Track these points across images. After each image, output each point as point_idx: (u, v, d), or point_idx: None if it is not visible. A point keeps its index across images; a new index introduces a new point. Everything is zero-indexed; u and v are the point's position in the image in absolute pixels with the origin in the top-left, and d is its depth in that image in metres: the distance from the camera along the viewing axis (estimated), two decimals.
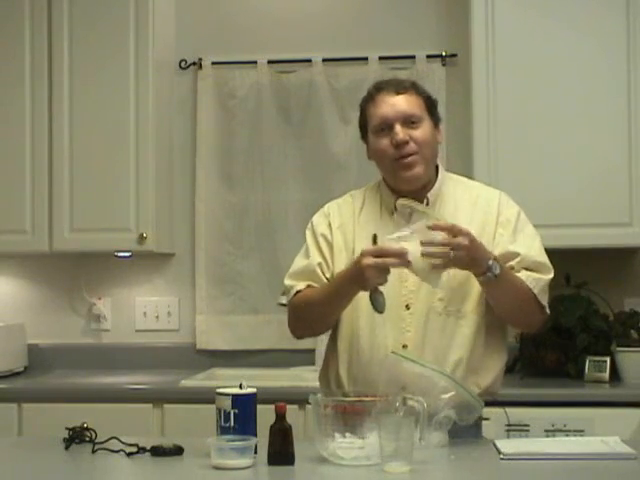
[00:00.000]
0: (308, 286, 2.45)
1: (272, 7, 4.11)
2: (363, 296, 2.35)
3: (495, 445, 2.22)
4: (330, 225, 2.50)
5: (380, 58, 3.95)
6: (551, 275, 2.44)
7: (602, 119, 3.55)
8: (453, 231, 2.17)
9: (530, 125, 3.57)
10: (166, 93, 4.00)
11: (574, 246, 3.55)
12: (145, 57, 3.79)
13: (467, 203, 2.47)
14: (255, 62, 4.03)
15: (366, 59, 3.96)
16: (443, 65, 3.96)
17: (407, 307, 2.37)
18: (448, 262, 2.19)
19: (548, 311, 2.45)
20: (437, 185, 2.47)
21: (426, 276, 2.24)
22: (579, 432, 3.14)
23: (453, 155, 3.89)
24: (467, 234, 2.20)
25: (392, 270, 2.27)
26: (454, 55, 3.96)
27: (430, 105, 2.47)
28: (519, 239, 2.43)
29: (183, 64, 4.08)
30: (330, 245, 2.48)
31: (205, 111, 4.06)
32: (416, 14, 4.02)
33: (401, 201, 2.33)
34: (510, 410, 3.14)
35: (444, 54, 3.96)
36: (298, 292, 2.46)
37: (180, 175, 4.08)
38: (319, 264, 2.46)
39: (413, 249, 2.18)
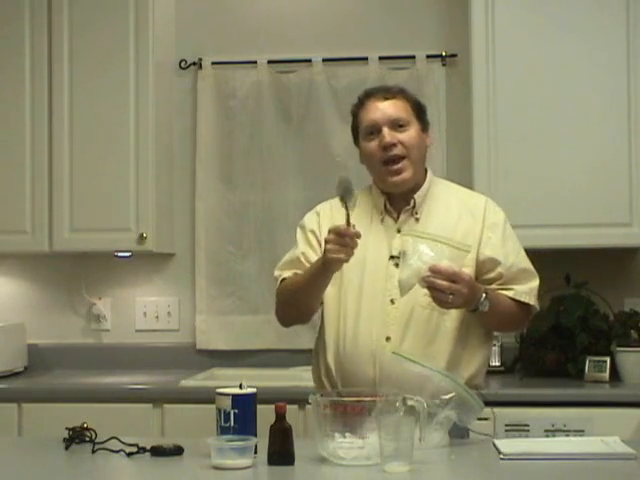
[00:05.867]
0: (295, 275, 2.56)
1: (272, 7, 4.11)
2: (351, 292, 2.46)
3: (495, 445, 2.23)
4: (320, 223, 2.60)
5: (380, 58, 3.95)
6: (537, 279, 2.57)
7: (602, 119, 3.55)
8: (453, 278, 2.26)
9: (530, 125, 3.57)
10: (166, 93, 4.00)
11: (574, 246, 3.55)
12: (145, 57, 3.79)
13: (454, 206, 2.56)
14: (255, 62, 4.03)
15: (366, 59, 3.96)
16: (443, 65, 3.96)
17: (392, 302, 2.45)
18: (444, 304, 2.31)
19: (538, 307, 2.59)
20: (425, 186, 2.57)
21: (404, 289, 2.33)
22: (579, 432, 3.13)
23: (453, 155, 3.90)
24: (467, 281, 2.30)
25: (378, 267, 2.44)
26: (454, 55, 3.95)
27: (418, 110, 2.57)
28: (508, 245, 2.54)
29: (183, 64, 4.08)
30: (319, 240, 2.56)
31: (205, 111, 4.05)
32: (416, 14, 4.01)
33: (405, 238, 2.38)
34: (510, 410, 3.15)
35: (444, 54, 3.95)
36: (284, 280, 2.58)
37: (180, 175, 4.08)
38: (302, 253, 2.57)
39: (416, 265, 2.27)
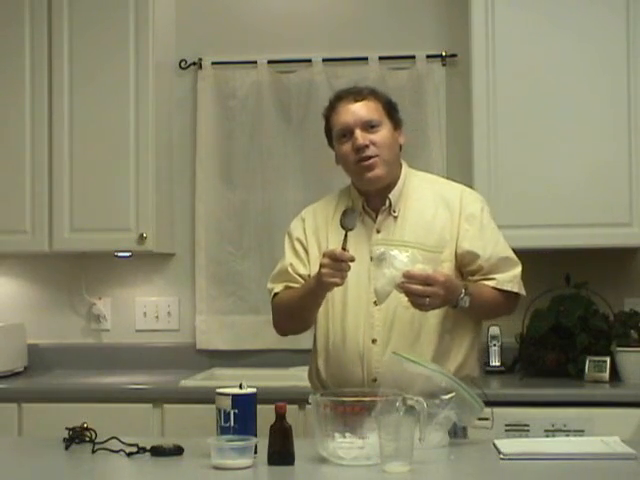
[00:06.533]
0: (286, 287, 2.60)
1: (272, 7, 4.11)
2: (337, 295, 2.48)
3: (495, 445, 2.22)
4: (305, 230, 2.65)
5: (380, 58, 3.95)
6: (520, 266, 2.58)
7: (602, 119, 3.55)
8: (428, 281, 2.29)
9: (530, 125, 3.57)
10: (166, 93, 4.00)
11: (574, 246, 3.55)
12: (145, 57, 3.79)
13: (430, 200, 2.58)
14: (255, 62, 4.03)
15: (366, 59, 3.96)
16: (443, 65, 3.96)
17: (375, 303, 2.45)
18: (422, 307, 2.32)
19: (524, 293, 2.59)
20: (399, 184, 2.58)
21: (381, 297, 2.35)
22: (579, 432, 3.13)
23: (453, 155, 3.90)
24: (442, 282, 2.31)
25: (360, 269, 2.43)
26: (454, 55, 3.95)
27: (389, 109, 2.59)
28: (486, 236, 2.55)
29: (183, 64, 4.08)
30: (305, 248, 2.62)
31: (205, 111, 4.05)
32: (416, 14, 4.01)
33: (376, 247, 2.40)
34: (510, 410, 3.15)
35: (444, 54, 3.95)
36: (276, 294, 2.62)
37: (180, 175, 4.08)
38: (290, 264, 2.61)
39: (390, 273, 2.28)
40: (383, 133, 2.53)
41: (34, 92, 3.82)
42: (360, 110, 2.53)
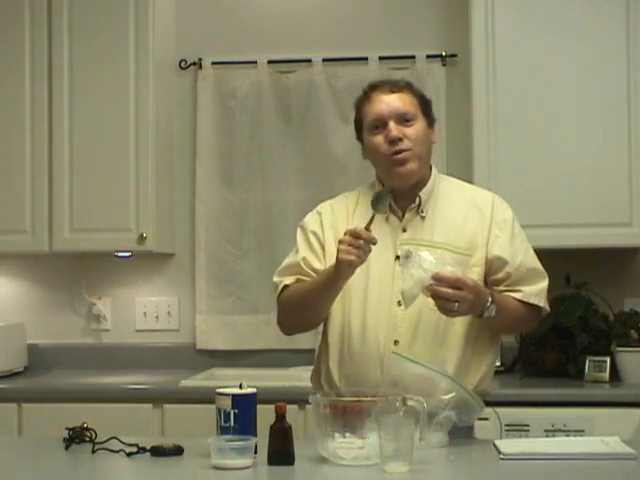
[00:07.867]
0: (297, 280, 2.47)
1: (272, 7, 4.11)
2: (357, 293, 2.39)
3: (495, 445, 2.22)
4: (322, 223, 2.52)
5: (380, 58, 3.95)
6: (547, 280, 2.48)
7: (602, 118, 3.55)
8: (457, 284, 2.19)
9: (530, 125, 3.57)
10: (166, 93, 4.00)
11: (574, 246, 3.55)
12: (145, 57, 3.79)
13: (461, 202, 2.49)
14: (255, 62, 4.03)
15: (366, 59, 3.96)
16: (443, 65, 3.96)
17: (399, 303, 2.35)
18: (450, 312, 2.22)
19: (548, 309, 2.50)
20: (430, 184, 2.49)
21: (408, 300, 2.25)
22: (579, 432, 3.13)
23: (453, 155, 3.90)
24: (472, 287, 2.21)
25: (384, 268, 2.35)
26: (454, 55, 3.96)
27: (424, 105, 2.49)
28: (516, 244, 2.46)
29: (183, 64, 4.08)
30: (321, 242, 2.49)
31: (205, 111, 4.06)
32: (416, 14, 4.02)
33: (403, 247, 2.31)
34: (510, 410, 3.15)
35: (444, 54, 3.96)
36: (286, 287, 2.48)
37: (180, 175, 4.08)
38: (303, 258, 2.47)
39: (418, 275, 2.20)
40: (417, 127, 2.43)
41: (34, 92, 3.82)
42: (395, 101, 2.43)
